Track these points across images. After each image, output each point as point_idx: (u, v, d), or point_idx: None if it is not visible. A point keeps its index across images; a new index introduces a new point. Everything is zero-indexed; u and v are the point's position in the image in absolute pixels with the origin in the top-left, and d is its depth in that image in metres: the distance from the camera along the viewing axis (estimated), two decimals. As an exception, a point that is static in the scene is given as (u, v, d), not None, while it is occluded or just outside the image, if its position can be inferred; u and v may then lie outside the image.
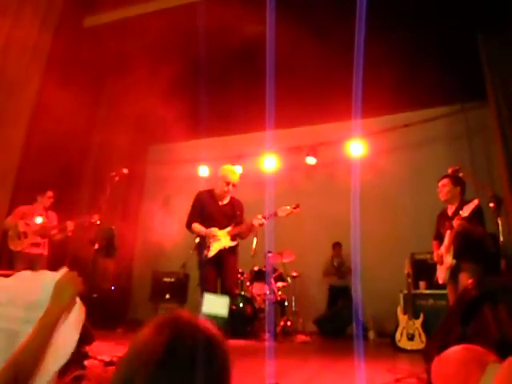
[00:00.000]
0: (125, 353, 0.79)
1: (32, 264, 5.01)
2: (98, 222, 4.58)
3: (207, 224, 4.33)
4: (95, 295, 5.89)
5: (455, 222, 3.86)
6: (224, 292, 4.18)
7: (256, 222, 4.34)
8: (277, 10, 3.90)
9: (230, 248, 4.38)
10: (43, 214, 5.30)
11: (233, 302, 6.10)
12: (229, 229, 4.39)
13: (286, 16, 4.60)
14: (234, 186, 4.49)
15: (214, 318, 3.03)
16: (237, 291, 6.27)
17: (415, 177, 6.91)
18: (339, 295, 6.87)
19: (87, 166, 8.03)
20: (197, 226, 4.33)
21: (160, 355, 0.73)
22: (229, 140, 8.36)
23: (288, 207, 4.51)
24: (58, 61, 6.43)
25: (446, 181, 4.21)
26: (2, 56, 5.96)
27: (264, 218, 4.34)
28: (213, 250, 4.29)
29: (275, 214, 4.44)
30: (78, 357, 3.08)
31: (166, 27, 6.20)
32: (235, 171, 4.60)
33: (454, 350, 1.20)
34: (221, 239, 4.32)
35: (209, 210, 4.38)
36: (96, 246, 4.56)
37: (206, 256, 4.27)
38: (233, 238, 4.39)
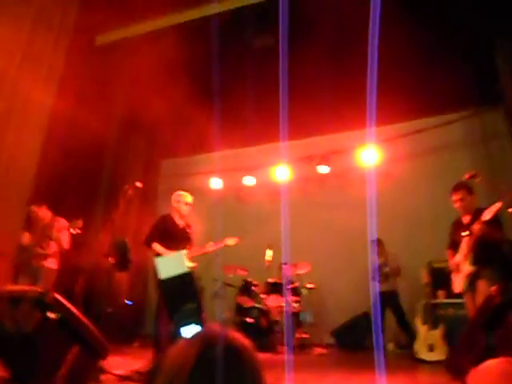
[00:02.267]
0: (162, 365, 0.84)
1: (35, 276, 4.92)
2: (79, 231, 4.70)
3: (167, 245, 4.46)
4: (110, 310, 5.88)
5: (475, 227, 3.77)
6: None
7: (210, 248, 4.79)
8: (289, 20, 3.92)
9: None
10: (47, 223, 5.14)
11: (247, 315, 6.06)
12: (186, 251, 4.48)
13: (297, 25, 4.61)
14: (190, 206, 4.81)
15: (177, 279, 2.94)
16: (251, 304, 6.24)
17: (431, 183, 6.79)
18: (386, 303, 5.81)
19: (101, 180, 8.11)
20: (157, 246, 4.46)
21: (191, 366, 0.77)
22: (241, 152, 8.38)
23: (234, 239, 5.14)
24: (72, 78, 6.54)
25: (462, 193, 4.08)
26: (17, 75, 6.08)
27: (215, 244, 4.84)
28: None
29: (224, 243, 4.99)
30: (94, 371, 3.07)
31: (177, 42, 6.28)
32: (188, 194, 4.86)
33: (495, 362, 1.15)
34: None
35: (171, 231, 4.58)
36: (111, 260, 4.55)
37: None
38: (191, 260, 4.53)
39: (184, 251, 4.07)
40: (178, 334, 2.70)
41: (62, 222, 5.08)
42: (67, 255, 5.39)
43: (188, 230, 4.72)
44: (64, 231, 4.97)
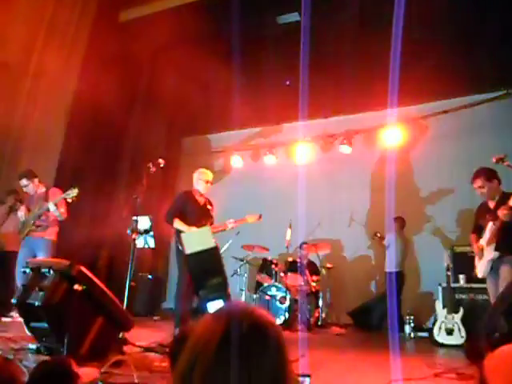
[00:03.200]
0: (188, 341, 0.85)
1: (35, 248, 4.95)
2: (75, 199, 4.62)
3: (187, 221, 4.46)
4: (133, 284, 6.02)
5: (501, 212, 3.68)
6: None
7: (230, 225, 4.66)
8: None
9: None
10: (42, 195, 5.10)
11: (266, 293, 6.14)
12: (209, 227, 4.50)
13: (321, 2, 4.51)
14: (211, 184, 4.81)
15: (203, 254, 2.97)
16: (270, 282, 6.31)
17: (456, 166, 6.62)
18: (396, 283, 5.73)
19: (124, 157, 8.22)
20: (178, 222, 4.46)
21: (216, 343, 0.78)
22: (262, 130, 8.33)
23: (255, 216, 4.85)
24: (95, 55, 6.58)
25: (480, 180, 3.96)
26: (42, 51, 6.16)
27: (235, 222, 4.69)
28: None
29: (245, 220, 4.77)
30: (117, 343, 3.18)
31: (199, 19, 6.21)
32: (210, 172, 4.86)
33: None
34: None
35: (191, 208, 4.58)
36: (134, 236, 4.64)
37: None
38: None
39: (208, 227, 4.06)
40: (204, 308, 2.75)
41: (57, 192, 4.97)
42: (91, 230, 5.49)
43: (209, 207, 4.72)
44: (61, 201, 4.84)
